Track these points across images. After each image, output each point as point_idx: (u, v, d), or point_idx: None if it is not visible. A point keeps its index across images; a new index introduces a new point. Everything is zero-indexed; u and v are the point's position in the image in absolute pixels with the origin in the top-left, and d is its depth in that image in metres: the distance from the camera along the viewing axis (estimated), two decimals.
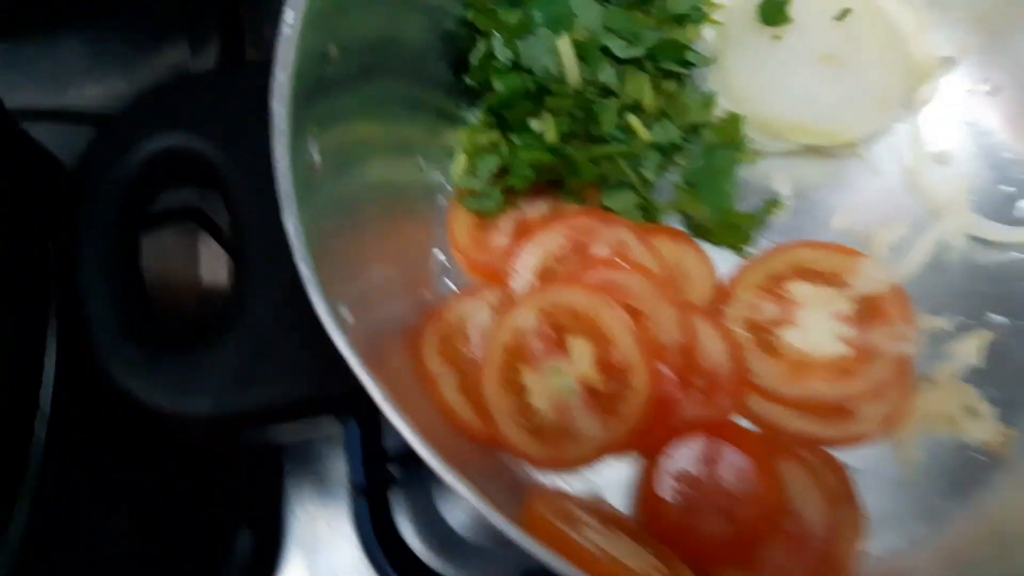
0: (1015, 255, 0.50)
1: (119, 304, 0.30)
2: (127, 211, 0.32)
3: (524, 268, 0.46)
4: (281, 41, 0.31)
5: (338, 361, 0.28)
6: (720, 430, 0.44)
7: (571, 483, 0.45)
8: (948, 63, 0.52)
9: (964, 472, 0.46)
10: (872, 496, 0.45)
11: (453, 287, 0.49)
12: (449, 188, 0.51)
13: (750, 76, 0.49)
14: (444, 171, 0.51)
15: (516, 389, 0.44)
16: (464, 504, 0.55)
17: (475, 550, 0.54)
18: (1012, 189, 0.51)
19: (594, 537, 0.40)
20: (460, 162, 0.50)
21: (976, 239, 0.50)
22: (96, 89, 0.64)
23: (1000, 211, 0.51)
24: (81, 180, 0.31)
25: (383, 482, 0.54)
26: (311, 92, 0.33)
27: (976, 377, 0.47)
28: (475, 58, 0.48)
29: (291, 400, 0.30)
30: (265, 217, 0.29)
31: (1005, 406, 0.46)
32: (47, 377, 0.28)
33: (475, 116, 0.51)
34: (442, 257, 0.50)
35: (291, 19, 0.31)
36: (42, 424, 0.28)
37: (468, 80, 0.50)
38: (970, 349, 0.47)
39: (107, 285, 0.30)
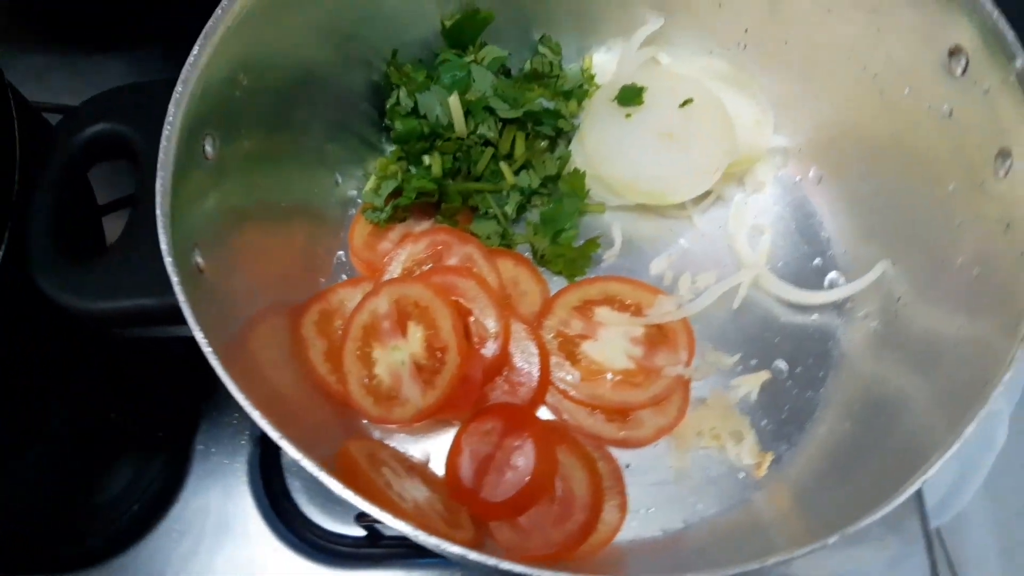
0: (815, 318, 0.59)
1: (50, 228, 0.43)
2: (71, 170, 0.45)
3: (394, 267, 0.59)
4: (187, 63, 0.45)
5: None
6: (516, 414, 0.54)
7: (407, 445, 0.57)
8: (780, 153, 0.63)
9: (724, 483, 0.54)
10: (639, 490, 0.54)
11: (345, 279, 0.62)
12: (360, 202, 0.64)
13: (601, 143, 0.61)
14: (358, 189, 0.64)
15: (366, 359, 0.55)
16: None
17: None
18: (821, 262, 0.61)
19: (389, 476, 0.51)
20: (371, 183, 0.63)
21: (784, 302, 0.60)
22: None
23: (811, 280, 0.60)
24: (47, 145, 0.45)
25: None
26: (214, 102, 0.47)
27: (751, 408, 0.56)
28: (389, 103, 0.62)
29: (143, 306, 0.43)
30: None
31: (769, 435, 0.56)
32: None
33: (391, 149, 0.65)
34: (343, 255, 0.62)
35: (196, 49, 0.45)
36: None
37: (387, 121, 0.63)
38: (751, 384, 0.56)
39: (46, 215, 0.43)
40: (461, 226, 0.61)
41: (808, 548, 0.38)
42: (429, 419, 0.55)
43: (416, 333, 0.55)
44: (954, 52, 0.49)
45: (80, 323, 0.44)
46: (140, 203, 0.44)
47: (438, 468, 0.55)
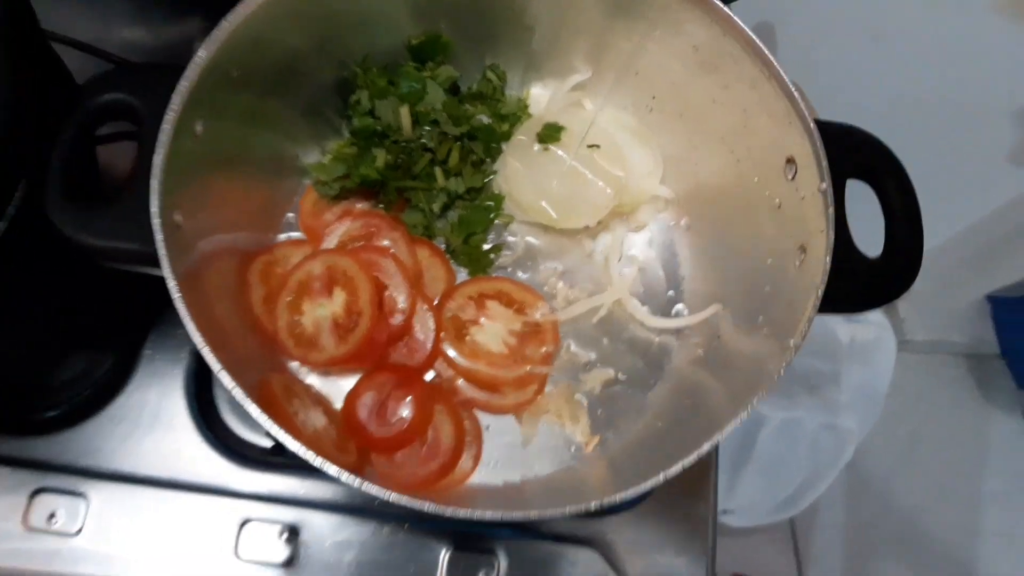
0: (658, 338, 0.74)
1: (64, 176, 0.55)
2: (85, 129, 0.56)
3: (332, 237, 0.71)
4: (192, 63, 0.56)
5: None
6: (407, 373, 0.68)
7: (315, 380, 0.70)
8: (661, 201, 0.77)
9: (558, 452, 0.70)
10: (492, 447, 0.69)
11: (291, 237, 0.74)
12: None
13: (518, 166, 0.74)
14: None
15: (295, 309, 0.68)
16: None
17: None
18: (673, 295, 0.76)
19: (298, 406, 0.65)
20: (323, 160, 0.75)
21: (637, 321, 0.75)
22: (132, 34, 0.92)
23: (662, 307, 0.75)
24: (71, 102, 0.57)
25: None
26: (208, 92, 0.58)
27: (592, 398, 0.72)
28: (352, 99, 0.74)
29: (131, 249, 0.55)
30: None
31: (601, 422, 0.71)
32: (13, 204, 0.54)
33: (347, 134, 0.77)
34: (292, 217, 0.75)
35: (202, 52, 0.57)
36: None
37: (349, 112, 0.75)
38: (595, 380, 0.72)
39: (61, 166, 0.55)
40: (394, 213, 0.74)
41: (609, 497, 0.54)
42: (337, 367, 0.68)
43: (339, 296, 0.68)
44: (790, 160, 0.64)
45: (77, 253, 0.56)
46: (139, 165, 0.56)
47: (338, 405, 0.69)
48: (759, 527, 1.85)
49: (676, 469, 0.55)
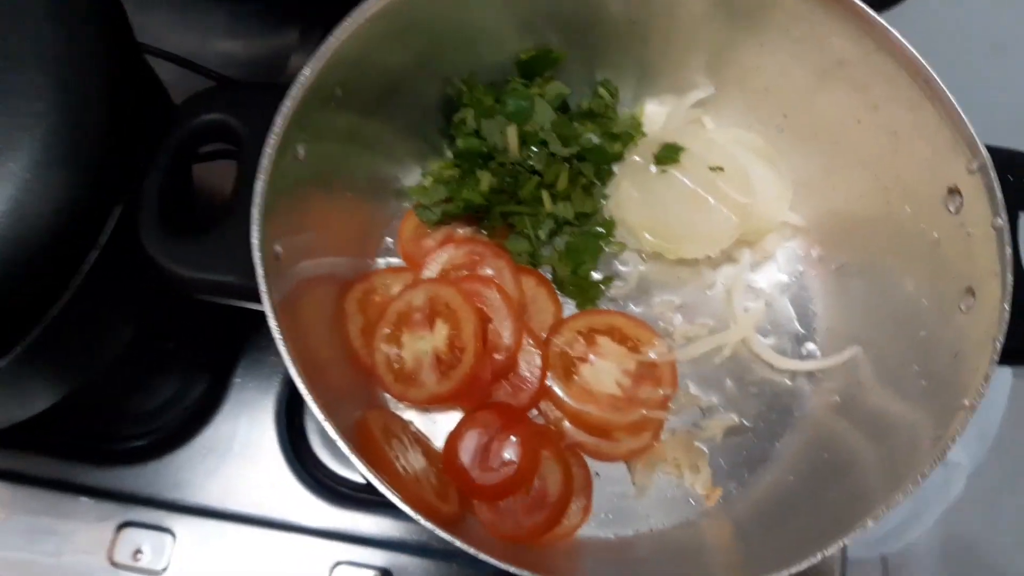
0: (787, 380, 0.67)
1: (160, 203, 0.52)
2: (183, 151, 0.53)
3: (433, 265, 0.67)
4: (297, 82, 0.53)
5: None
6: (513, 414, 0.63)
7: (414, 416, 0.66)
8: (790, 228, 0.70)
9: (676, 505, 0.63)
10: (603, 497, 0.63)
11: (389, 263, 0.70)
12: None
13: (631, 191, 0.68)
14: (415, 184, 0.72)
15: (394, 341, 0.64)
16: None
17: None
18: (804, 332, 0.69)
19: (397, 447, 0.60)
20: (424, 183, 0.71)
21: (764, 361, 0.68)
22: (228, 47, 0.90)
23: (790, 346, 0.68)
24: (168, 122, 0.54)
25: None
26: (311, 112, 0.54)
27: (713, 447, 0.65)
28: (456, 118, 0.69)
29: (229, 283, 0.51)
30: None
31: (723, 473, 0.64)
32: (106, 231, 0.51)
33: (450, 155, 0.72)
34: (390, 241, 0.71)
35: (307, 71, 0.53)
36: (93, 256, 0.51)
37: (452, 131, 0.71)
38: (717, 426, 0.65)
39: (156, 191, 0.51)
40: (497, 239, 0.69)
41: None
42: (438, 404, 0.64)
43: (442, 330, 0.63)
44: (952, 191, 0.56)
45: (171, 284, 0.53)
46: (238, 190, 0.53)
47: (438, 444, 0.64)
48: (850, 559, 1.74)
49: (820, 554, 0.48)
